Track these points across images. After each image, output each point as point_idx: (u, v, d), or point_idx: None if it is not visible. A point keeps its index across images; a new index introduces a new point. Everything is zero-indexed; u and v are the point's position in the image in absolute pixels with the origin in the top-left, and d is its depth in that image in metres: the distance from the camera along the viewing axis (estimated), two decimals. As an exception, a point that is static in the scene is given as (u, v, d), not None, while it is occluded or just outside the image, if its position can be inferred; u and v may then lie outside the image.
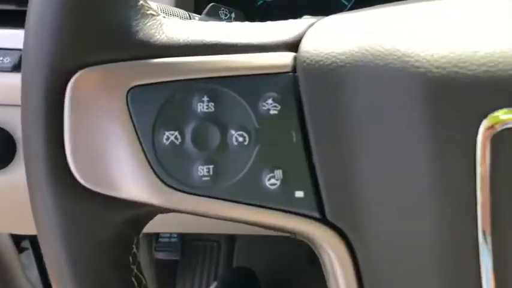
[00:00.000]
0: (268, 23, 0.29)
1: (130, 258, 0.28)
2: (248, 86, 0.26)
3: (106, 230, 0.27)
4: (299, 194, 0.26)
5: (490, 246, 0.23)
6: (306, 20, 0.29)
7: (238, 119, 0.26)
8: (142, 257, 0.82)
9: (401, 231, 0.25)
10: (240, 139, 0.26)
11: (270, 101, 0.26)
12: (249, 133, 0.26)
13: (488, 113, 0.23)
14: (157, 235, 0.82)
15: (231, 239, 0.97)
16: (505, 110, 0.23)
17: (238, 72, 0.26)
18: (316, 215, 0.26)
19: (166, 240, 0.82)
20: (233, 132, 0.26)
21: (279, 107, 0.26)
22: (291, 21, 0.29)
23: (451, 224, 0.24)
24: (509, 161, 0.23)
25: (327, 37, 0.27)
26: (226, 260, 0.96)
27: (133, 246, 0.29)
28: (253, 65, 0.26)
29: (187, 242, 0.89)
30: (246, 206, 0.26)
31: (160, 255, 0.83)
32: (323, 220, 0.26)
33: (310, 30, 0.28)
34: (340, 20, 0.28)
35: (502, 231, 0.23)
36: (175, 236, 0.83)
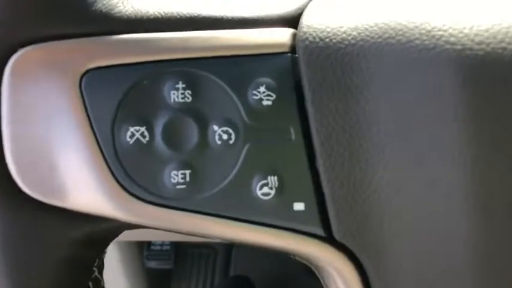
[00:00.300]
0: None
1: (91, 284, 0.23)
2: (235, 70, 0.21)
3: (58, 249, 0.21)
4: (299, 206, 0.21)
5: None
6: None
7: (222, 112, 0.21)
8: (133, 266, 0.77)
9: (430, 256, 0.19)
10: (225, 137, 0.20)
11: (262, 88, 0.20)
12: (235, 129, 0.20)
13: None
14: (148, 242, 0.77)
15: (228, 245, 0.92)
16: None
17: (223, 52, 0.21)
18: (320, 232, 0.21)
19: (158, 247, 0.77)
20: (216, 128, 0.20)
21: (273, 97, 0.20)
22: None
23: (499, 248, 0.18)
24: None
25: (335, 9, 0.21)
26: (223, 268, 0.91)
27: (95, 269, 0.23)
28: (242, 43, 0.21)
29: (181, 249, 0.83)
30: (231, 221, 0.21)
31: (152, 264, 0.77)
32: (329, 239, 0.21)
33: (313, 1, 0.22)
34: None
35: None
36: (168, 243, 0.78)
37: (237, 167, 0.21)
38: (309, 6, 0.22)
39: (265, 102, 0.20)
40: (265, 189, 0.20)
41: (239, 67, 0.21)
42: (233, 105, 0.20)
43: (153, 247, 0.77)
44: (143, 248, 0.78)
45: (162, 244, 0.78)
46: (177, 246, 0.81)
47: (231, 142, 0.20)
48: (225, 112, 0.21)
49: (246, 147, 0.21)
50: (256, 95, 0.20)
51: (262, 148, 0.21)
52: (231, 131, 0.20)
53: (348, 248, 0.21)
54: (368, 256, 0.20)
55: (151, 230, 0.26)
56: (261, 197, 0.20)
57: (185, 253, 0.86)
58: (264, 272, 0.88)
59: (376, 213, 0.20)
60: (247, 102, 0.20)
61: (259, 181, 0.20)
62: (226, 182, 0.21)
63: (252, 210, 0.21)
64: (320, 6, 0.22)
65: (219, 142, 0.20)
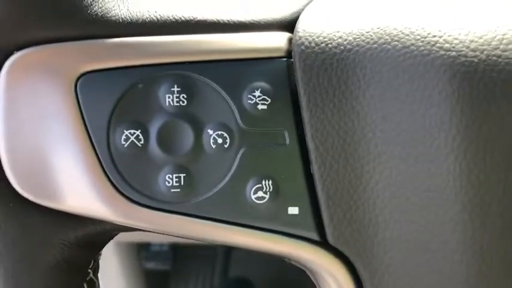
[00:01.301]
0: None
1: (86, 285, 0.23)
2: (230, 74, 0.21)
3: (53, 251, 0.21)
4: (293, 210, 0.21)
5: None
6: None
7: (217, 116, 0.21)
8: (131, 267, 0.77)
9: (425, 262, 0.19)
10: (219, 141, 0.20)
11: (257, 93, 0.20)
12: (230, 133, 0.20)
13: None
14: (147, 243, 0.77)
15: (228, 246, 0.91)
16: None
17: (218, 56, 0.21)
18: (315, 237, 0.21)
19: (157, 248, 0.77)
20: (210, 132, 0.20)
21: (268, 101, 0.20)
22: None
23: (492, 256, 0.18)
24: None
25: (331, 14, 0.21)
26: (222, 270, 0.91)
27: (90, 270, 0.23)
28: (237, 47, 0.21)
29: (179, 250, 0.83)
30: (226, 225, 0.21)
31: (150, 265, 0.77)
32: (323, 244, 0.21)
33: (309, 6, 0.22)
34: None
35: None
36: (167, 244, 0.78)
37: (232, 171, 0.21)
38: (305, 10, 0.22)
39: (260, 107, 0.20)
40: (260, 194, 0.20)
41: (234, 71, 0.21)
42: (228, 109, 0.21)
43: (151, 248, 0.77)
44: (142, 249, 0.78)
45: (161, 245, 0.78)
46: (176, 247, 0.81)
47: (225, 146, 0.20)
48: (220, 116, 0.21)
49: (241, 151, 0.21)
50: (251, 99, 0.20)
51: (256, 152, 0.21)
52: (225, 135, 0.20)
53: (342, 253, 0.21)
54: (362, 261, 0.20)
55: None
56: (256, 201, 0.20)
57: (184, 254, 0.85)
58: (264, 274, 0.88)
59: (371, 219, 0.20)
60: (242, 107, 0.20)
61: (254, 185, 0.20)
62: (220, 186, 0.21)
63: (246, 214, 0.21)
64: (316, 11, 0.22)
65: (213, 146, 0.20)
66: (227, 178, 0.21)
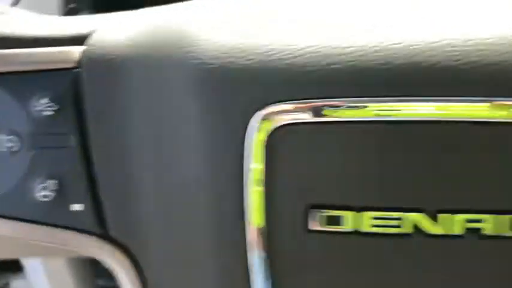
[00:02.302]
0: (69, 17, 0.26)
1: None
2: (21, 84, 0.23)
3: None
4: (76, 207, 0.23)
5: (264, 267, 0.20)
6: (111, 14, 0.25)
7: (9, 122, 0.23)
8: (84, 284, 0.77)
9: (180, 245, 0.21)
10: (10, 145, 0.23)
11: (45, 100, 0.23)
12: (20, 138, 0.23)
13: (262, 107, 0.19)
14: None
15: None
16: (282, 104, 0.19)
17: (11, 67, 0.23)
18: (98, 231, 0.23)
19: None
20: (3, 137, 0.23)
21: (56, 107, 0.23)
22: (93, 16, 0.26)
23: (222, 241, 0.20)
24: (287, 162, 0.19)
25: (121, 30, 0.24)
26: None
27: None
28: (30, 59, 0.23)
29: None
30: (16, 221, 0.23)
31: (101, 282, 0.78)
32: (106, 236, 0.23)
33: (105, 23, 0.24)
34: (138, 14, 0.25)
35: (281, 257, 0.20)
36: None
37: (22, 172, 0.23)
38: (100, 27, 0.24)
39: (47, 113, 0.23)
40: (45, 192, 0.22)
41: (26, 81, 0.23)
42: (19, 116, 0.23)
43: (100, 264, 0.78)
44: (92, 265, 0.78)
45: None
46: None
47: (16, 149, 0.23)
48: (11, 122, 0.23)
49: (30, 153, 0.23)
50: (39, 106, 0.22)
51: (44, 154, 0.23)
52: (16, 139, 0.23)
53: (124, 245, 0.23)
54: (137, 250, 0.22)
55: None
56: (42, 199, 0.22)
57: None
58: None
59: (140, 213, 0.22)
60: (30, 113, 0.23)
61: (40, 184, 0.22)
62: (11, 185, 0.23)
63: (32, 210, 0.23)
64: (110, 28, 0.24)
65: (5, 150, 0.23)
66: (17, 178, 0.23)
